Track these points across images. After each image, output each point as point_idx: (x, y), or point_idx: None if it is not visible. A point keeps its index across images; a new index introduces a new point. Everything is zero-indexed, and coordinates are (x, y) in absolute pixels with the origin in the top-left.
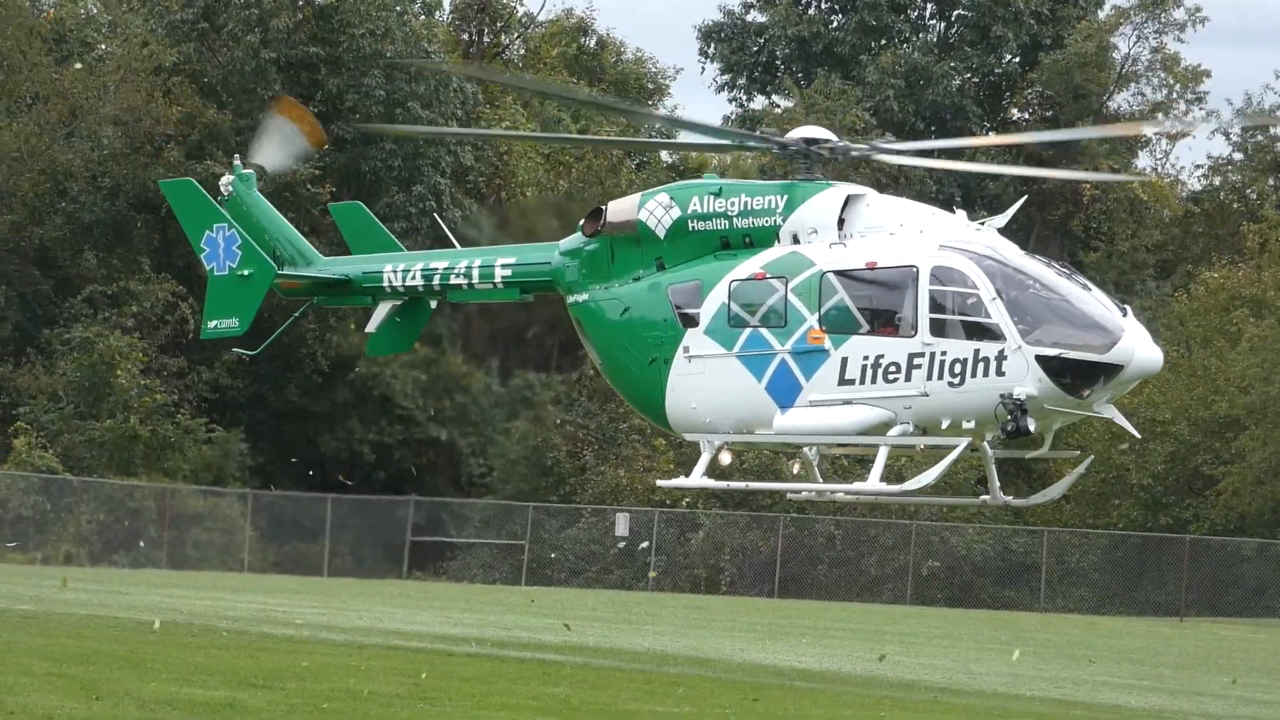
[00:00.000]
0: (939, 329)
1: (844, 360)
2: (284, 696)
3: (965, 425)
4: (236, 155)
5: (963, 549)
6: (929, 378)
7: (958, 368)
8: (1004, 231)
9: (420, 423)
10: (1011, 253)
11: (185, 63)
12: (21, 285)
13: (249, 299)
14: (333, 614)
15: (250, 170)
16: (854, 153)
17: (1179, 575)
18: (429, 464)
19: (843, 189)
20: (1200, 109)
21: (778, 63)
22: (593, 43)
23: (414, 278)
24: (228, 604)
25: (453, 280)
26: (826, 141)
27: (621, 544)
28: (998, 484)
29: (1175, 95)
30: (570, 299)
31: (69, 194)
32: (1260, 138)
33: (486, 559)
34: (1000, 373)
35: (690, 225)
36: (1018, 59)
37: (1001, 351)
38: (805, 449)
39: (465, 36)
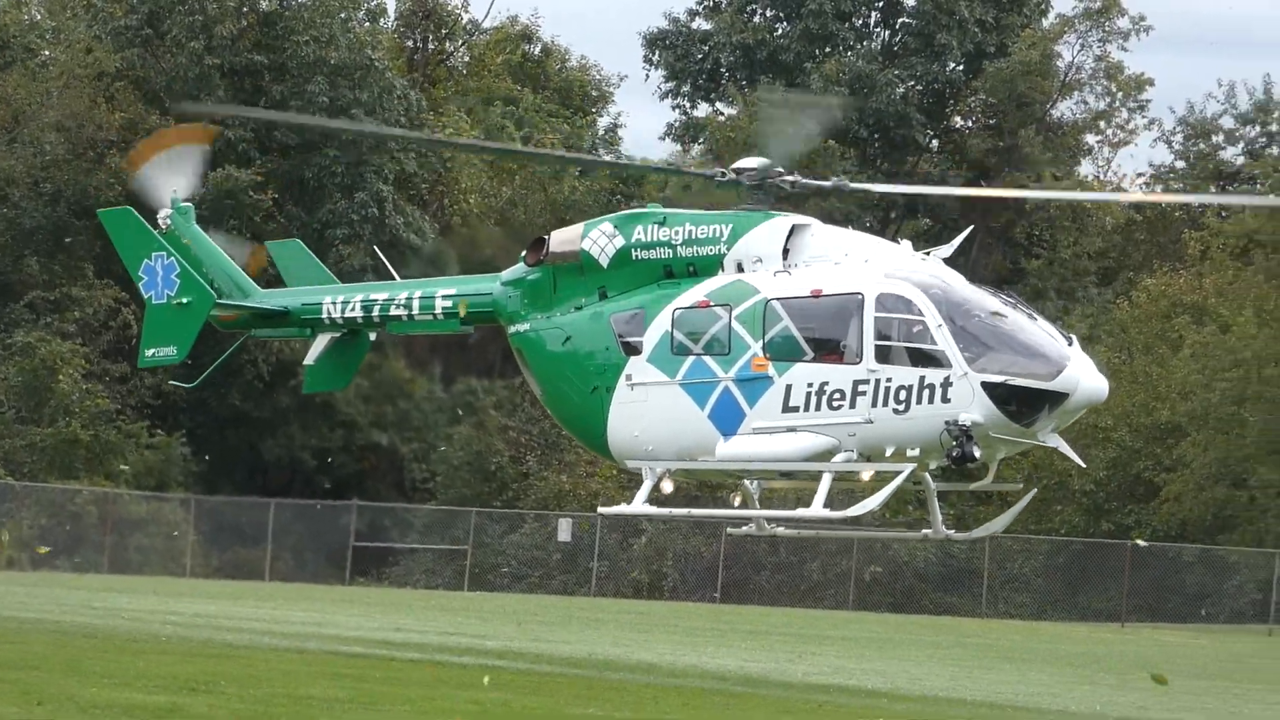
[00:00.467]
0: (884, 356)
1: (788, 387)
2: (225, 701)
3: (910, 452)
4: (176, 190)
5: (905, 555)
6: (874, 405)
7: (903, 394)
8: (949, 261)
9: (362, 428)
10: (957, 282)
11: (129, 69)
12: None
13: (187, 327)
14: (275, 619)
15: (188, 204)
16: (790, 181)
17: (1120, 581)
18: (371, 469)
19: (788, 219)
20: (1142, 117)
21: (722, 70)
22: (537, 50)
23: (353, 309)
24: (169, 609)
25: (393, 311)
26: (766, 172)
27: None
28: (939, 517)
29: (1118, 103)
30: (511, 329)
31: (10, 199)
32: (1202, 146)
33: (429, 564)
34: (946, 399)
35: (634, 254)
36: (962, 66)
37: (947, 378)
38: (747, 482)
39: (410, 44)
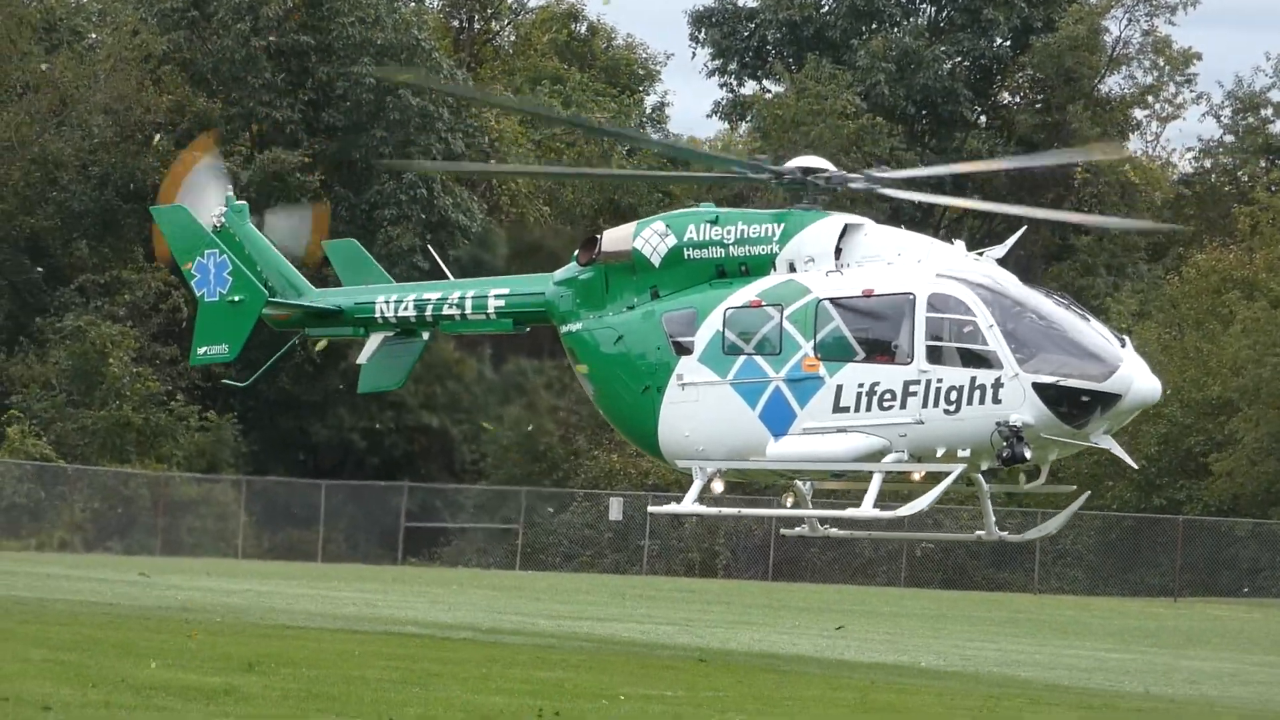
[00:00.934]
0: (935, 356)
1: (839, 388)
2: (278, 681)
3: (961, 453)
4: (229, 188)
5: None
6: (924, 405)
7: (954, 395)
8: (1002, 261)
9: (412, 409)
10: (1009, 282)
11: (175, 51)
12: (13, 274)
13: (239, 325)
14: (327, 600)
15: (243, 202)
16: (851, 184)
17: (1172, 556)
18: (422, 450)
19: (840, 218)
20: (1190, 91)
21: (768, 47)
22: (583, 29)
23: (406, 309)
24: (222, 590)
25: (446, 311)
26: (824, 172)
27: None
28: (993, 519)
29: (1165, 78)
30: (564, 329)
31: (59, 183)
32: (1250, 120)
33: (481, 544)
34: (996, 400)
35: (686, 253)
36: (1009, 42)
37: (998, 379)
38: (799, 482)
39: (455, 24)
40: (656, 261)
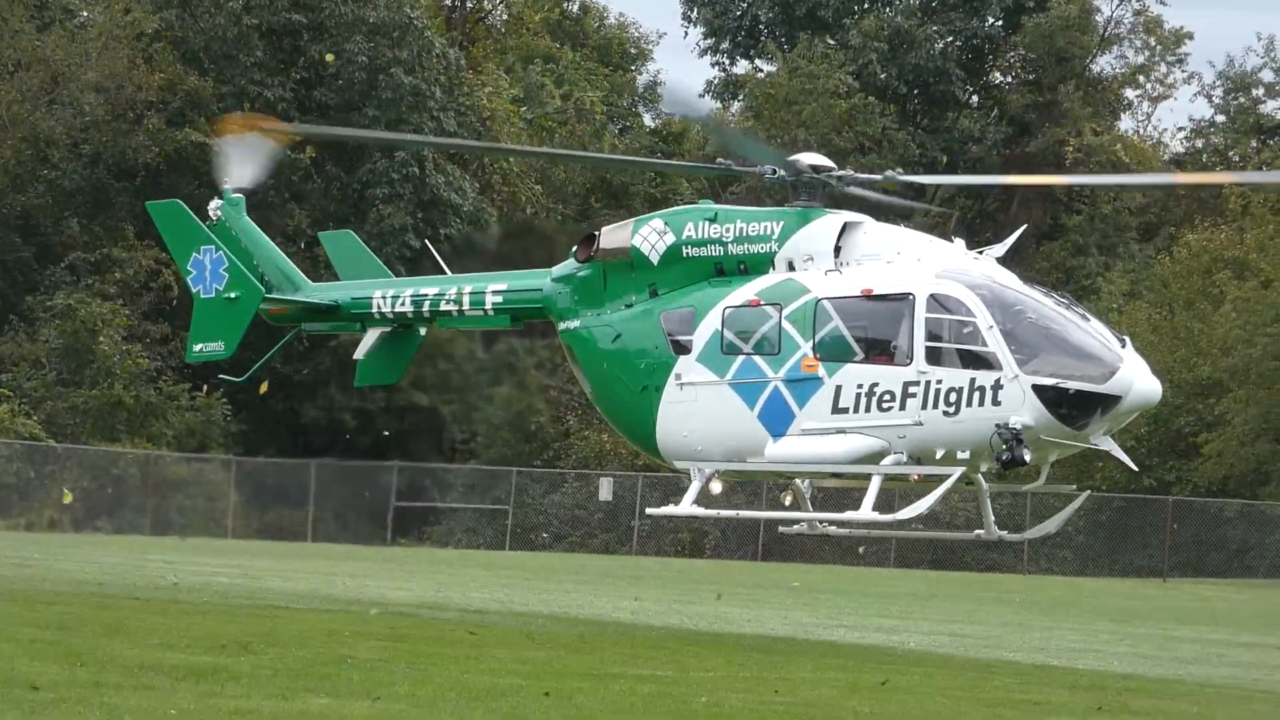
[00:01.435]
0: (934, 357)
1: (838, 388)
2: (268, 661)
3: (960, 455)
4: (225, 180)
5: (945, 512)
6: (924, 407)
7: (953, 397)
8: (1002, 260)
9: (403, 389)
10: (1010, 282)
11: (167, 29)
12: (3, 252)
13: (235, 322)
14: (317, 580)
15: (239, 195)
16: (850, 185)
17: (1162, 537)
18: (411, 430)
19: (840, 216)
20: (1182, 71)
21: (761, 27)
22: (575, 7)
23: (403, 304)
24: (211, 570)
25: (443, 307)
26: (826, 169)
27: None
28: (992, 518)
29: (1157, 58)
30: (561, 326)
31: (50, 161)
32: (1242, 100)
33: (470, 524)
34: (996, 402)
35: (684, 251)
36: (1000, 22)
37: (998, 381)
38: (798, 480)
39: (447, 2)
40: (655, 259)
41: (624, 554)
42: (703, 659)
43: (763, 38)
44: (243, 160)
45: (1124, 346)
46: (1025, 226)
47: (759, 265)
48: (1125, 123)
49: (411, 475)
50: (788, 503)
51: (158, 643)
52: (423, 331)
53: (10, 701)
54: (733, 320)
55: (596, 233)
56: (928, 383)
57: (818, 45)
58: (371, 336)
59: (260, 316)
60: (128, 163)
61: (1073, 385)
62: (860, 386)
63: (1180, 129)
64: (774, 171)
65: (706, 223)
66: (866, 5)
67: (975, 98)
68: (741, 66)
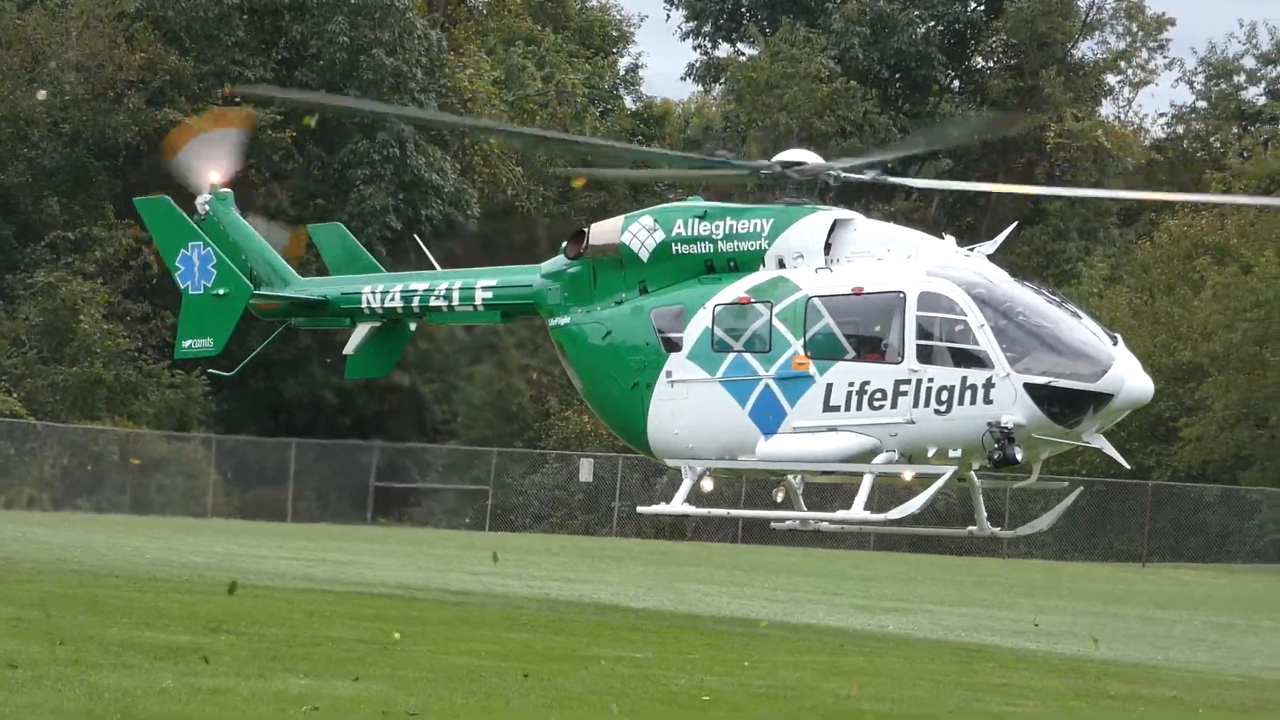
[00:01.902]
0: (926, 356)
1: (829, 386)
2: (247, 641)
3: (952, 453)
4: (214, 175)
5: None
6: (915, 405)
7: (944, 395)
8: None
9: None
10: (1001, 279)
11: (148, 8)
12: None
13: (224, 319)
14: (296, 559)
15: (227, 191)
16: (834, 175)
17: (1141, 521)
18: (392, 410)
19: (830, 213)
20: (1163, 57)
21: (743, 10)
22: None
23: (393, 299)
24: (191, 548)
25: (432, 302)
26: (803, 165)
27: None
28: (984, 514)
29: (1138, 43)
30: (552, 322)
31: (30, 139)
32: (1224, 87)
33: (450, 504)
34: (988, 400)
35: (674, 248)
36: (983, 7)
37: (989, 379)
38: (790, 477)
39: None
40: (644, 256)
41: (604, 535)
42: (683, 641)
43: (745, 21)
44: (211, 160)
45: (1115, 344)
46: (1015, 224)
47: (749, 262)
48: (1106, 108)
49: (392, 455)
50: (780, 499)
51: (137, 621)
52: (412, 326)
53: None
54: (723, 318)
55: (586, 229)
56: (919, 381)
57: (800, 29)
58: (361, 332)
59: (249, 311)
60: (108, 142)
61: (1064, 383)
62: (851, 385)
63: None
64: (766, 169)
65: (696, 220)
66: None
67: (956, 82)
68: (723, 50)
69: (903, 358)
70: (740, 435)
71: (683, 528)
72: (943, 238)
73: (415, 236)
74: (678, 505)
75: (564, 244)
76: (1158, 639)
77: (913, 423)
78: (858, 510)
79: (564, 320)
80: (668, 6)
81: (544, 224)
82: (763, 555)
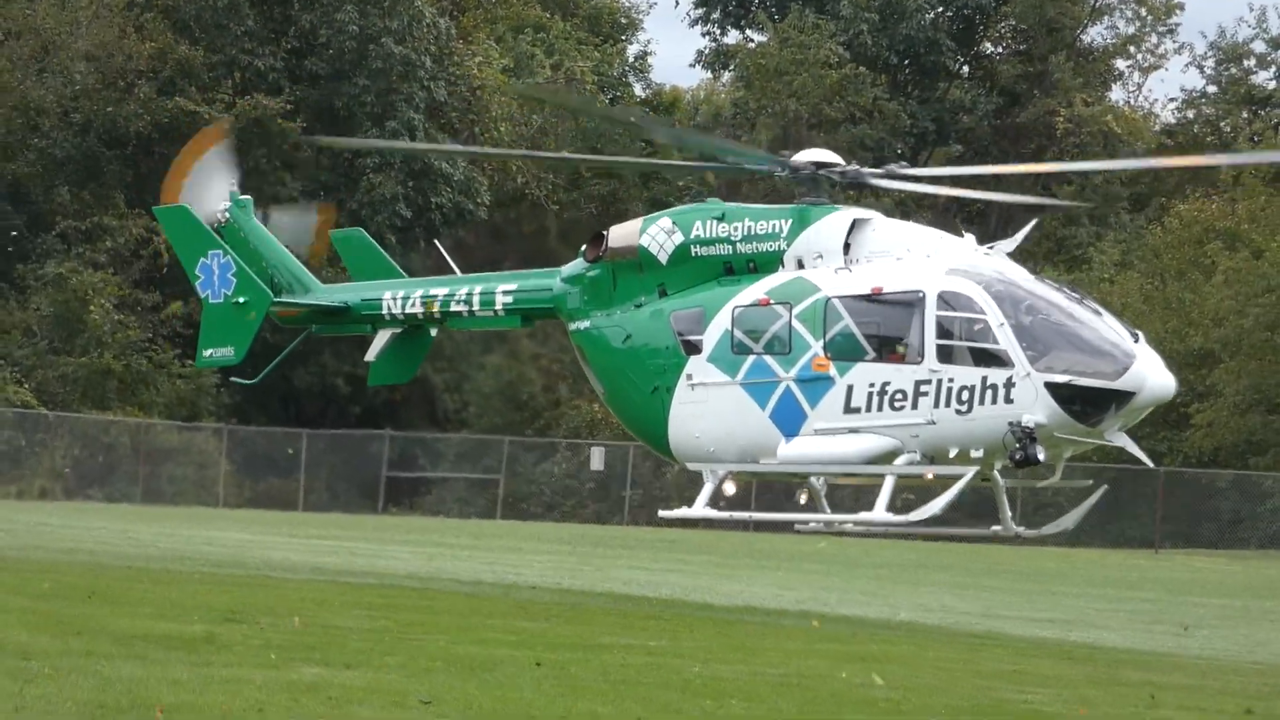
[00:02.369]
0: (946, 355)
1: (849, 388)
2: (259, 631)
3: (973, 454)
4: (233, 182)
5: (937, 482)
6: (936, 405)
7: (965, 395)
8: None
9: None
10: (1021, 277)
11: None
12: None
13: (244, 327)
14: (308, 549)
15: (247, 198)
16: (866, 178)
17: (1153, 508)
18: (403, 399)
19: (849, 213)
20: (1172, 41)
21: None
22: None
23: (413, 305)
24: (203, 539)
25: (453, 308)
26: (834, 165)
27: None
28: (1009, 514)
29: (1147, 28)
30: (572, 326)
31: (40, 129)
32: (1233, 71)
33: (461, 494)
34: (1009, 400)
35: (693, 250)
36: None
37: (1010, 379)
38: (813, 479)
39: None
40: (663, 259)
41: (616, 524)
42: (695, 630)
43: (754, 8)
44: (212, 182)
45: (1137, 341)
46: (1036, 221)
47: (769, 263)
48: (1116, 93)
49: (403, 445)
50: (803, 501)
51: (149, 612)
52: (433, 332)
53: (3, 671)
54: (743, 320)
55: (605, 232)
56: (940, 381)
57: (808, 15)
58: (382, 338)
59: (270, 319)
60: (119, 131)
61: (1086, 381)
62: (872, 386)
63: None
64: (782, 169)
65: (715, 221)
66: None
67: (966, 68)
68: (732, 36)
69: (923, 358)
70: (761, 438)
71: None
72: (962, 236)
73: (436, 242)
74: (700, 509)
75: (583, 247)
76: (1171, 626)
77: (934, 423)
78: (880, 512)
79: (584, 324)
80: None
81: (553, 212)
82: (775, 543)
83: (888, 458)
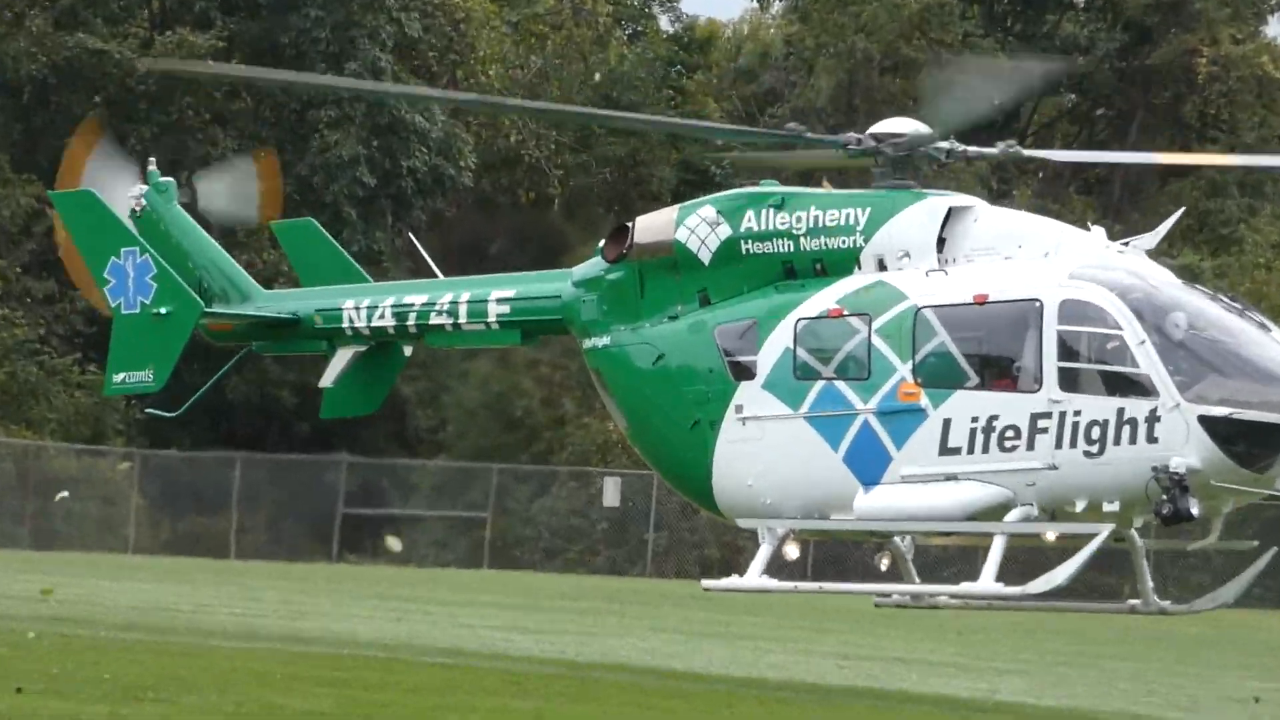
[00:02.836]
0: (1071, 382)
1: (946, 422)
2: (179, 712)
3: (1107, 507)
4: (152, 160)
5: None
6: (1058, 445)
7: (1096, 432)
8: (1154, 254)
9: None
10: (1165, 282)
11: None
12: None
13: (167, 345)
14: (243, 607)
15: (169, 180)
16: (971, 158)
17: None
18: (365, 416)
19: (944, 200)
20: None
21: None
22: None
23: (382, 317)
24: (109, 594)
25: (433, 320)
26: (923, 140)
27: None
28: (1150, 584)
29: None
30: (587, 343)
31: None
32: None
33: (439, 536)
34: (1152, 438)
35: (743, 247)
36: None
37: (1154, 411)
38: (897, 539)
39: None
40: (706, 258)
41: (635, 575)
42: (735, 708)
43: None
44: (112, 173)
45: None
46: (1182, 210)
47: (841, 264)
48: (1274, 28)
49: (364, 473)
50: (884, 567)
51: (44, 689)
52: (407, 350)
53: None
54: (808, 335)
55: (630, 224)
56: (1063, 414)
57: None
58: (342, 358)
59: (199, 334)
60: (5, 75)
61: (1251, 415)
62: (975, 420)
63: None
64: (857, 143)
65: (772, 210)
66: None
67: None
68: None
69: (1041, 385)
70: (833, 487)
71: (737, 564)
72: (1089, 229)
73: (411, 236)
74: (754, 578)
75: (602, 243)
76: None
77: (1055, 468)
78: (988, 582)
79: (603, 341)
80: None
81: (557, 178)
82: (837, 599)
83: (997, 512)
